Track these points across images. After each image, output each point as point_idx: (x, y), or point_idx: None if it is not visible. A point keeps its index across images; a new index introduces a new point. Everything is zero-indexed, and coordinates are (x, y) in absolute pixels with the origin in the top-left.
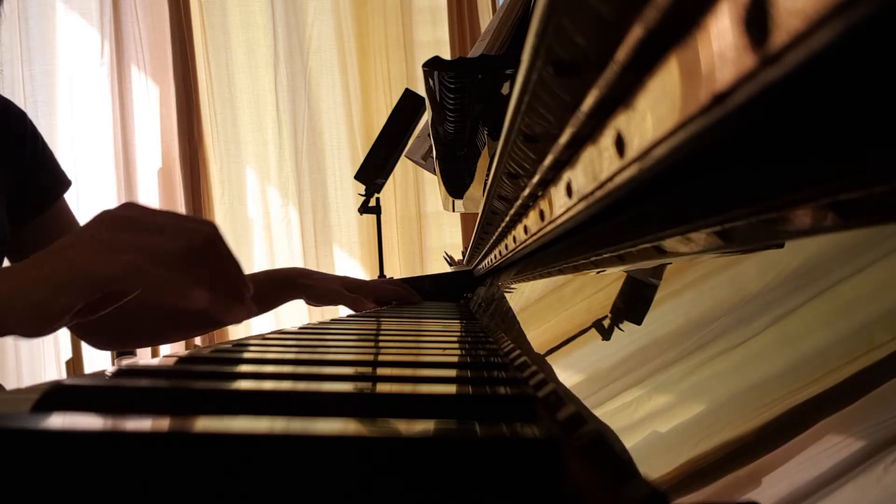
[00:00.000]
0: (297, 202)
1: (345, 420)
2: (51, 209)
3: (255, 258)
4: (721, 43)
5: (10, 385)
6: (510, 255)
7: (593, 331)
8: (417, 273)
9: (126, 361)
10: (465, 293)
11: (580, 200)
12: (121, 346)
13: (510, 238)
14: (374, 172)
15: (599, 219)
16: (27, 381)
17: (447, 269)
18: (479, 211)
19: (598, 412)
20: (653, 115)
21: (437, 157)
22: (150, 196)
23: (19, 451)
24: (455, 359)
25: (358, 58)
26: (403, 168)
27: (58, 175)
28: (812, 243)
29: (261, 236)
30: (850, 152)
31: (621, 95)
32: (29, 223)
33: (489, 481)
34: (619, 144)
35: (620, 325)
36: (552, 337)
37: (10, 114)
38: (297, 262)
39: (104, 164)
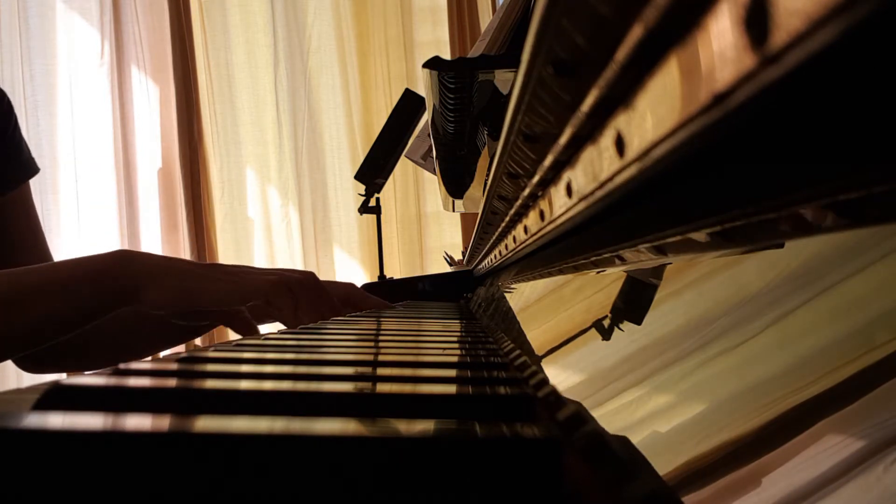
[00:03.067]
0: (297, 202)
1: (345, 420)
2: (11, 193)
3: (255, 258)
4: (721, 43)
5: (10, 385)
6: (510, 255)
7: (593, 331)
8: (417, 273)
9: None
10: (464, 293)
11: (580, 200)
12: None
13: (510, 238)
14: (374, 172)
15: (599, 219)
16: (27, 381)
17: (447, 269)
18: (479, 211)
19: (597, 412)
20: (653, 115)
21: (437, 157)
22: (150, 196)
23: (19, 451)
24: (455, 359)
25: (358, 58)
26: (403, 168)
27: (25, 160)
28: (812, 243)
29: (261, 236)
30: (851, 152)
31: (621, 95)
32: None
33: (489, 481)
34: (619, 144)
35: (620, 325)
36: (552, 337)
37: None
38: (297, 262)
39: (104, 164)
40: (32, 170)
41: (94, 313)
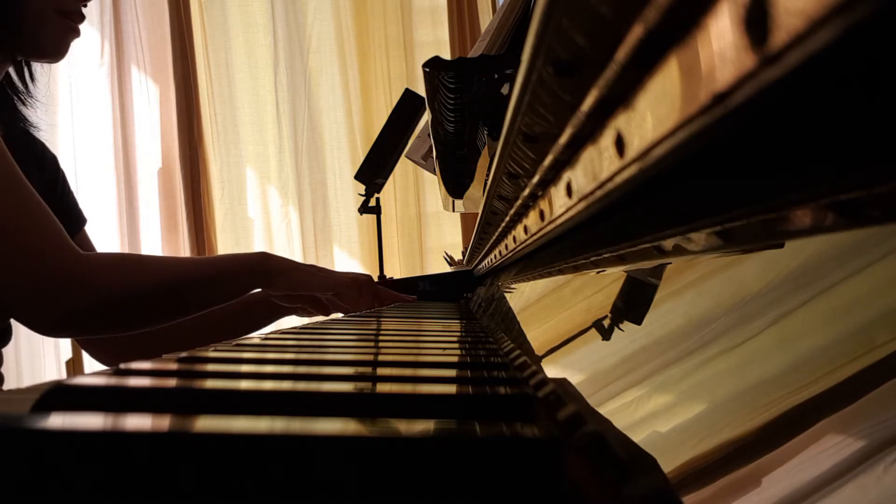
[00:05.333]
0: (297, 202)
1: (345, 420)
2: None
3: None
4: (721, 43)
5: (10, 385)
6: (510, 255)
7: (593, 331)
8: (417, 273)
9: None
10: (465, 293)
11: (580, 200)
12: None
13: (510, 238)
14: (373, 172)
15: (599, 219)
16: (27, 381)
17: (447, 269)
18: (479, 211)
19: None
20: (653, 116)
21: (437, 157)
22: (150, 196)
23: (19, 451)
24: (455, 359)
25: (358, 58)
26: (403, 168)
27: (77, 214)
28: (812, 243)
29: (261, 236)
30: (851, 152)
31: (621, 95)
32: None
33: (489, 481)
34: (619, 144)
35: (620, 325)
36: (552, 337)
37: (46, 156)
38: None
39: (104, 164)
40: (82, 221)
41: (244, 292)
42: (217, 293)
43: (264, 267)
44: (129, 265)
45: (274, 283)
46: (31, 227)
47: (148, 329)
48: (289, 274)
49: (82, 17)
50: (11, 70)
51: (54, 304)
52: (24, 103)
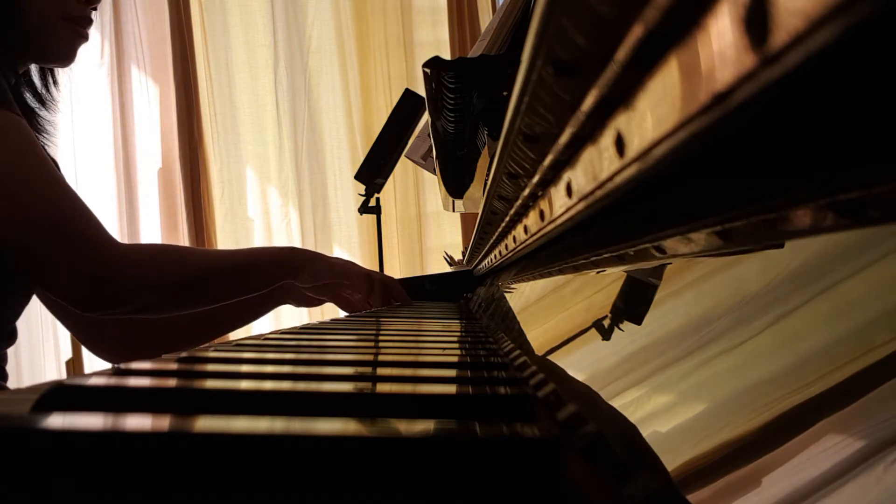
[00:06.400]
0: (297, 202)
1: (345, 420)
2: None
3: None
4: (721, 43)
5: (10, 385)
6: (510, 255)
7: (593, 331)
8: (417, 273)
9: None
10: (465, 293)
11: (580, 200)
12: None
13: (510, 238)
14: (373, 172)
15: (599, 219)
16: (27, 381)
17: (447, 269)
18: (479, 211)
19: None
20: (653, 115)
21: (437, 157)
22: (150, 196)
23: (19, 451)
24: (455, 359)
25: (358, 58)
26: (403, 168)
27: None
28: (812, 243)
29: (261, 236)
30: (851, 152)
31: (621, 95)
32: None
33: (489, 481)
34: (619, 144)
35: (620, 325)
36: (552, 337)
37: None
38: None
39: (104, 164)
40: None
41: (272, 285)
42: (246, 285)
43: (292, 260)
44: (165, 257)
45: (300, 275)
46: (77, 216)
47: (175, 314)
48: (312, 264)
49: (90, 22)
50: (35, 75)
51: (95, 291)
52: (45, 106)
